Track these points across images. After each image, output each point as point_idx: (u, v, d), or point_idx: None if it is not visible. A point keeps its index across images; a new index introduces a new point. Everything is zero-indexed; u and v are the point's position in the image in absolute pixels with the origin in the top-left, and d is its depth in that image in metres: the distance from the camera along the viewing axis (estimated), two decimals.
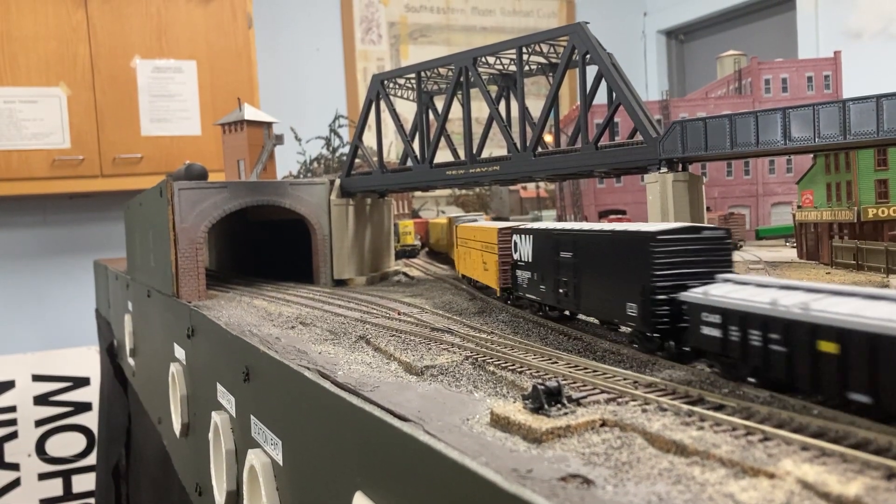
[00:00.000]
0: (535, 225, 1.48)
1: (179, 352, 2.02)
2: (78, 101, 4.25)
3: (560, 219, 3.57)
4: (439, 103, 2.27)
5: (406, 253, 3.19)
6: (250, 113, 2.54)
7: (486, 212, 4.81)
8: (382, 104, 2.36)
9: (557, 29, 1.89)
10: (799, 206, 2.23)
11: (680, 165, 1.62)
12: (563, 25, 1.89)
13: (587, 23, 1.78)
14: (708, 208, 2.66)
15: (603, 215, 3.05)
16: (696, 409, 0.81)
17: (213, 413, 1.57)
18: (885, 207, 1.93)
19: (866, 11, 4.38)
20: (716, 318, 0.90)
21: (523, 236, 1.46)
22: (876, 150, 1.90)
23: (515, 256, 1.51)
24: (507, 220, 3.71)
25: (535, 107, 1.97)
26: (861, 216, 1.95)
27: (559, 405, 0.84)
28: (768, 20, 5.41)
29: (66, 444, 4.36)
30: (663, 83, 6.13)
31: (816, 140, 1.44)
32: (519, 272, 1.50)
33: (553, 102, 1.89)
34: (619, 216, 2.93)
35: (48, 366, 4.35)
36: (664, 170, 1.60)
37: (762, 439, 0.72)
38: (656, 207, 1.63)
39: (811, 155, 2.17)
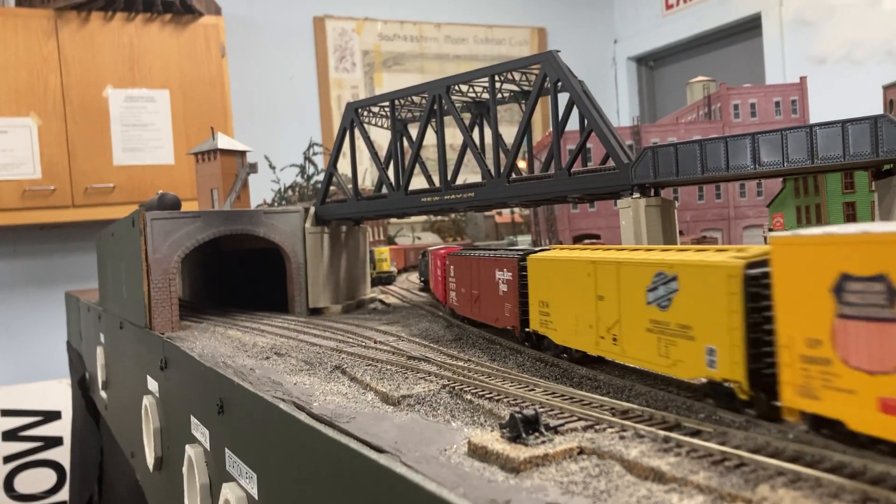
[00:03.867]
0: None
1: (152, 384, 1.99)
2: (49, 131, 4.21)
3: (535, 244, 3.58)
4: (413, 130, 2.28)
5: (382, 280, 3.19)
6: (223, 142, 2.54)
7: (462, 237, 4.83)
8: (357, 132, 2.36)
9: (529, 57, 1.91)
10: (770, 229, 2.26)
11: (652, 190, 1.63)
12: (534, 54, 1.91)
13: (558, 51, 1.80)
14: (681, 232, 2.69)
15: (577, 240, 3.07)
16: (672, 434, 0.81)
17: (187, 446, 1.54)
18: None
19: (829, 38, 4.49)
20: None
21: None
22: (843, 174, 1.93)
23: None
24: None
25: (510, 132, 1.99)
26: None
27: (537, 433, 0.83)
28: (736, 46, 5.51)
29: (36, 481, 4.27)
30: (634, 109, 6.22)
31: (785, 164, 1.46)
32: None
33: (526, 129, 1.91)
34: (594, 241, 2.95)
35: (18, 400, 4.27)
36: (637, 195, 1.62)
37: (739, 465, 0.72)
38: (630, 232, 1.64)
39: (781, 178, 2.20)
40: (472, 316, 1.70)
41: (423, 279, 2.79)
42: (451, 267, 1.84)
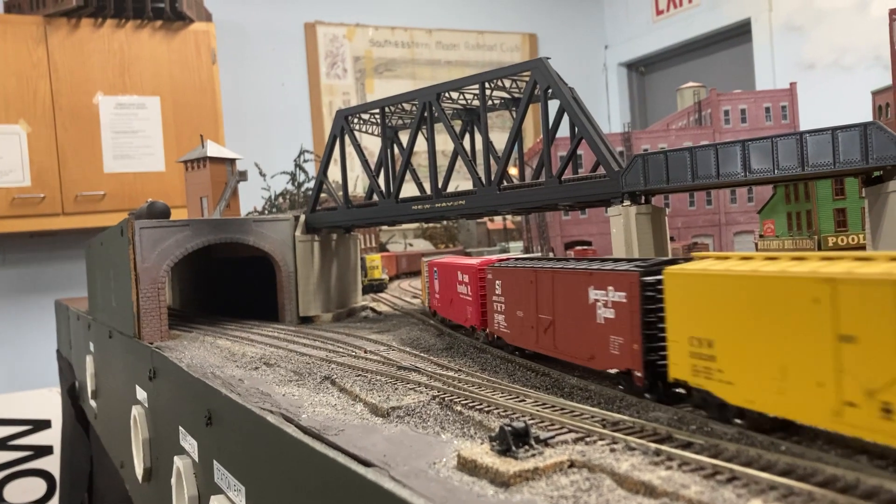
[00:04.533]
0: None
1: (141, 394, 1.97)
2: (38, 139, 4.19)
3: (527, 250, 3.58)
4: (404, 138, 2.27)
5: (373, 287, 3.18)
6: (213, 150, 2.52)
7: (454, 244, 4.82)
8: (347, 139, 2.35)
9: (519, 64, 1.91)
10: (761, 236, 2.26)
11: (642, 198, 1.63)
12: (524, 61, 1.90)
13: (548, 58, 1.80)
14: (672, 238, 2.69)
15: (569, 246, 3.07)
16: (664, 447, 0.80)
17: (176, 458, 1.53)
18: (844, 236, 1.96)
19: (818, 44, 4.51)
20: None
21: None
22: (833, 181, 1.93)
23: None
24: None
25: (501, 139, 1.98)
26: (821, 245, 1.98)
27: (527, 446, 0.82)
28: (726, 52, 5.53)
29: (26, 490, 4.23)
30: (625, 115, 6.23)
31: (776, 171, 1.46)
32: None
33: (516, 137, 1.90)
34: (585, 248, 2.94)
35: (7, 409, 4.23)
36: (627, 202, 1.61)
37: (731, 478, 0.71)
38: (620, 239, 1.64)
39: (771, 185, 2.20)
40: (537, 349, 1.30)
41: None
42: (498, 282, 1.44)
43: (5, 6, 4.35)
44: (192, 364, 1.60)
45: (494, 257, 1.69)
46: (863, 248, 1.90)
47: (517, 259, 1.51)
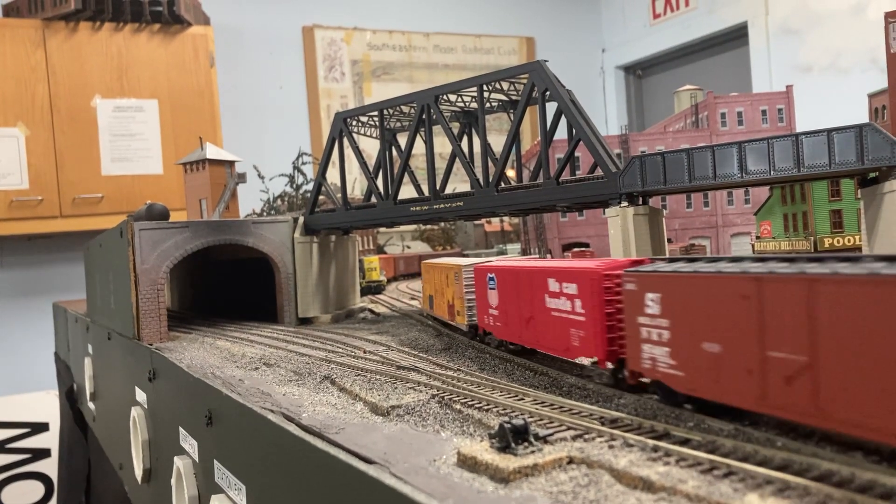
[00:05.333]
0: None
1: (141, 395, 1.98)
2: (36, 141, 4.19)
3: (524, 252, 3.59)
4: (402, 140, 2.28)
5: (371, 289, 3.18)
6: (212, 152, 2.53)
7: (451, 246, 4.83)
8: (346, 141, 2.36)
9: (517, 67, 1.92)
10: (758, 237, 2.28)
11: (640, 199, 1.64)
12: (522, 64, 1.91)
13: (546, 61, 1.81)
14: (669, 240, 2.70)
15: (567, 248, 3.08)
16: (661, 443, 0.81)
17: (176, 458, 1.53)
18: (840, 237, 1.98)
19: (815, 46, 4.53)
20: None
21: None
22: (829, 182, 1.94)
23: None
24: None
25: (499, 141, 1.99)
26: (817, 246, 1.99)
27: (526, 443, 0.83)
28: (723, 55, 5.55)
29: (24, 493, 4.23)
30: (622, 117, 6.24)
31: (772, 173, 1.47)
32: None
33: (514, 139, 1.91)
34: (583, 249, 2.96)
35: (5, 411, 4.23)
36: (625, 204, 1.62)
37: (727, 473, 0.72)
38: (618, 241, 1.65)
39: (768, 186, 2.22)
40: (764, 409, 0.79)
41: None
42: (652, 296, 0.95)
43: (4, 10, 4.35)
44: (192, 365, 1.61)
45: (610, 260, 1.18)
46: (859, 249, 1.91)
47: (678, 259, 1.01)
